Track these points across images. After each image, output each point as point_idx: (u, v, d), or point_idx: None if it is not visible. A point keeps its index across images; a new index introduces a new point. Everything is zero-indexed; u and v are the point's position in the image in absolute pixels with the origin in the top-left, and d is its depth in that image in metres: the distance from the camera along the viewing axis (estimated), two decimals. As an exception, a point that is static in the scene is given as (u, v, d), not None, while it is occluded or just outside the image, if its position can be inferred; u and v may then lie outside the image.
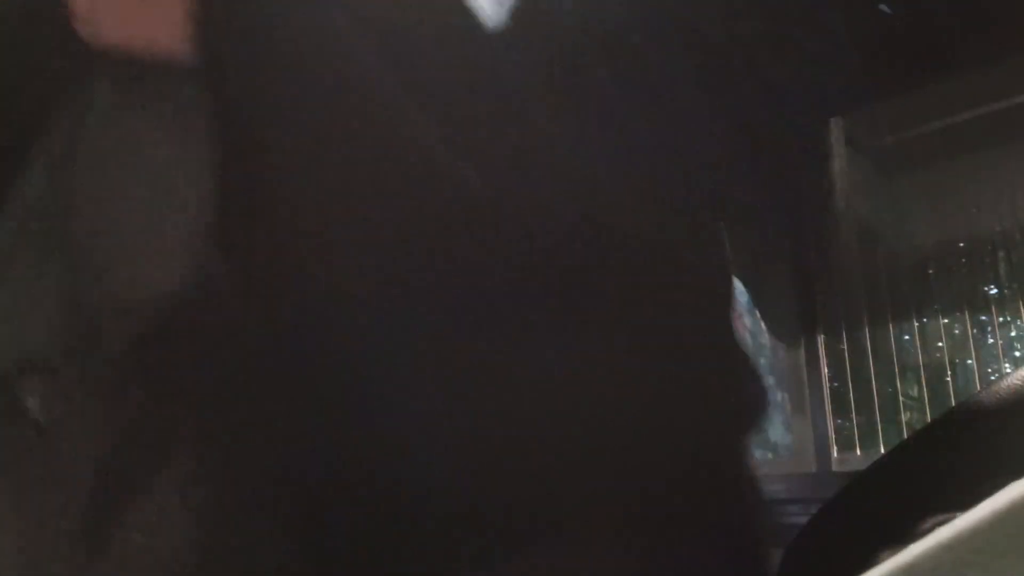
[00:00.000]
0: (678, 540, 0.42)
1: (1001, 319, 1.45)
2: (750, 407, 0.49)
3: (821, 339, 1.55)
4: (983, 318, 1.46)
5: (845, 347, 1.56)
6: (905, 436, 0.77)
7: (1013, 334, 1.44)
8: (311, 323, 0.41)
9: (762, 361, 1.98)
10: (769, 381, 1.99)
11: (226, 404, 0.43)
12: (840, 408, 1.52)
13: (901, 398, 1.47)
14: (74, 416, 0.44)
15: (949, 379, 1.45)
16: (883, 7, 1.62)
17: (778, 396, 1.98)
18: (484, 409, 0.41)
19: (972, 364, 1.44)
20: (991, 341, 1.45)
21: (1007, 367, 1.43)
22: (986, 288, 1.49)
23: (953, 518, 0.29)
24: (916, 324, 1.51)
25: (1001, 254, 1.50)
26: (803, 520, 0.44)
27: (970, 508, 0.28)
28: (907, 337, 1.51)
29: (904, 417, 1.46)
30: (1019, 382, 0.36)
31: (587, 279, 0.43)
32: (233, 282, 0.43)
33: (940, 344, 1.48)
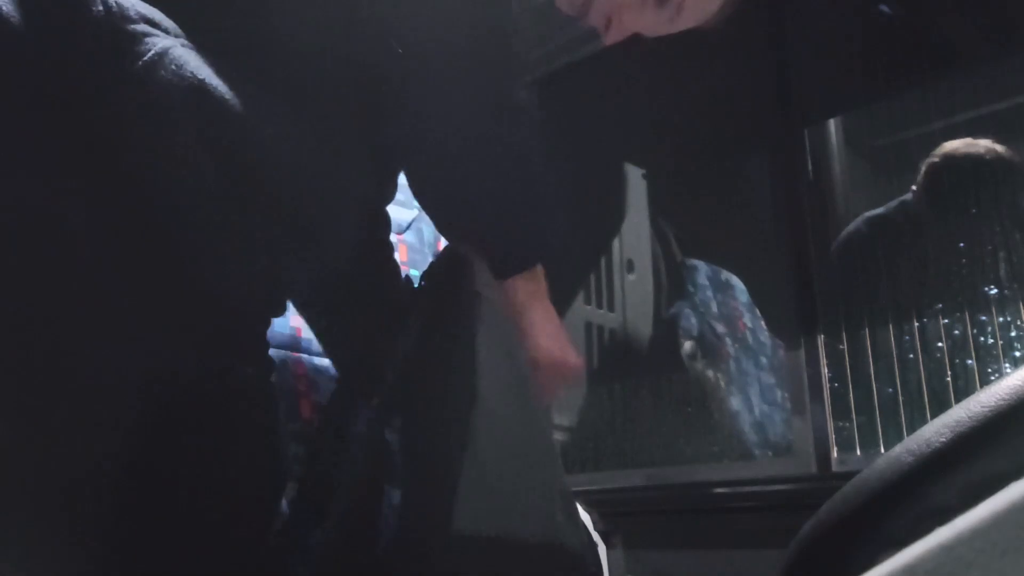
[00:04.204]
0: None
1: (1001, 319, 1.45)
2: None
3: (821, 339, 1.55)
4: (983, 318, 1.46)
5: (845, 347, 1.56)
6: (905, 436, 0.77)
7: (1013, 334, 1.44)
8: None
9: (762, 359, 1.98)
10: (770, 380, 1.98)
11: None
12: (840, 408, 1.51)
13: (901, 398, 1.47)
14: None
15: (949, 379, 1.45)
16: (883, 7, 1.61)
17: (778, 395, 1.97)
18: None
19: (972, 364, 1.44)
20: (991, 341, 1.45)
21: (1007, 367, 1.43)
22: (986, 288, 1.49)
23: (953, 518, 0.29)
24: (916, 324, 1.51)
25: (1001, 254, 1.50)
26: (803, 520, 0.44)
27: (970, 508, 0.28)
28: (907, 337, 1.50)
29: (904, 417, 1.46)
30: (1019, 382, 0.36)
31: None
32: None
33: (940, 344, 1.48)
